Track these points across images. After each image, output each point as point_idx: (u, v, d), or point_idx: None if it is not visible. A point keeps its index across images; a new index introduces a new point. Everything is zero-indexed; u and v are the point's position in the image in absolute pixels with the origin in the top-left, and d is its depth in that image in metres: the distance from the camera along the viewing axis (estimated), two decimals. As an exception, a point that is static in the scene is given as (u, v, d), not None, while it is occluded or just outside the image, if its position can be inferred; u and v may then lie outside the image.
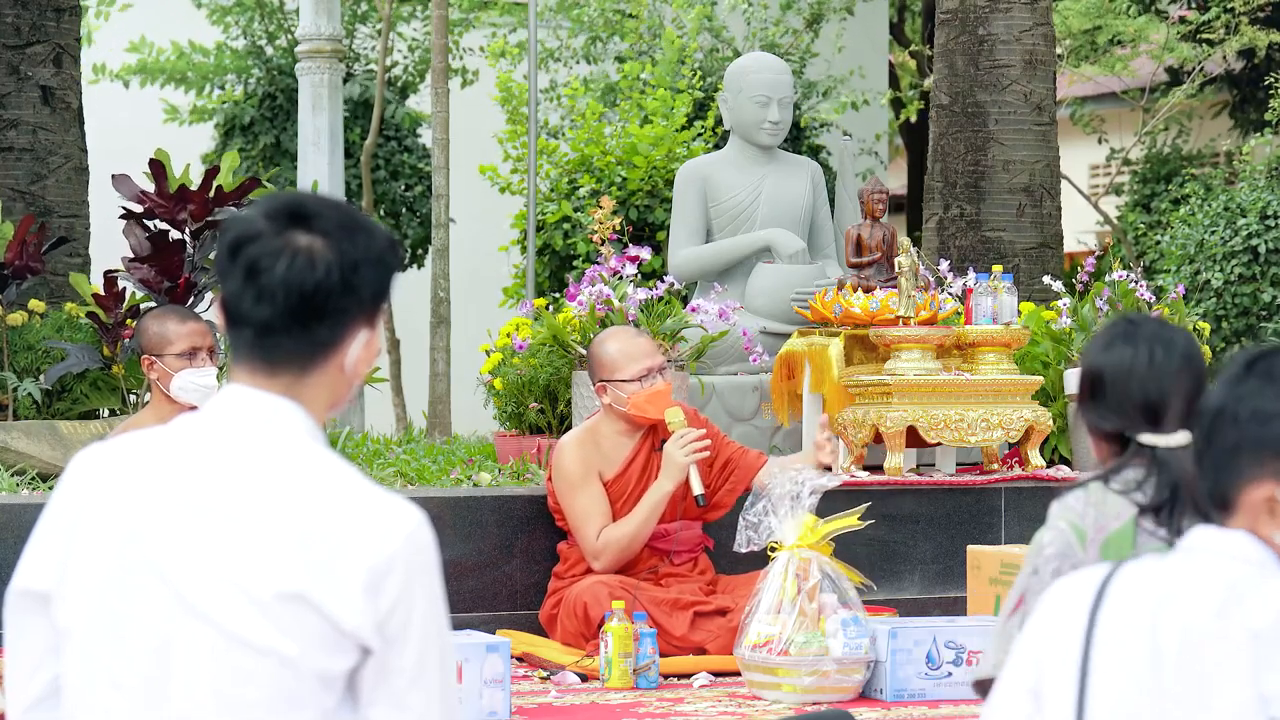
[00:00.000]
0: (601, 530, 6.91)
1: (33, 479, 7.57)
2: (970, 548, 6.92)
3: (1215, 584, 2.56)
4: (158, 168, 8.17)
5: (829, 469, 6.70)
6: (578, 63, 16.92)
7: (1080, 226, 20.45)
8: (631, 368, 6.95)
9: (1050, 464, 8.49)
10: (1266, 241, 13.48)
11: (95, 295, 8.17)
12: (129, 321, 8.03)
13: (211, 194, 8.18)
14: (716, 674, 6.57)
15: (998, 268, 8.48)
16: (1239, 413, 2.59)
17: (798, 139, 15.56)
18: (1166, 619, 2.56)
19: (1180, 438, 3.51)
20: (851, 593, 6.33)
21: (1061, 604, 2.67)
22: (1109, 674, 2.58)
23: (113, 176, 8.21)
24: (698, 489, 6.86)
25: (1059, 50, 16.84)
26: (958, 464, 8.32)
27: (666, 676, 6.52)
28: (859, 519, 6.50)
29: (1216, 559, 2.58)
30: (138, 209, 8.20)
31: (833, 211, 9.25)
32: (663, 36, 15.36)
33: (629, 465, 7.00)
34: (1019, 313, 8.40)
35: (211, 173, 8.30)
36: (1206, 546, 2.60)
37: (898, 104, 19.42)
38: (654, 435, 7.03)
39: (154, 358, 6.10)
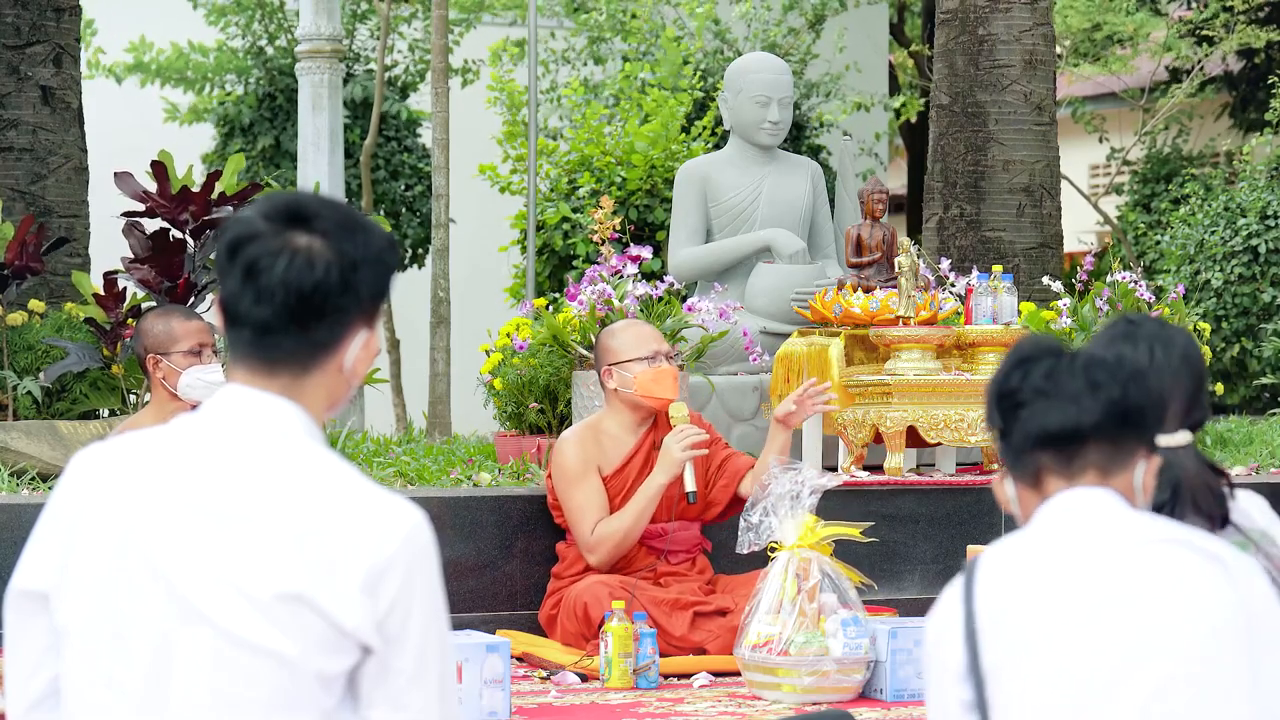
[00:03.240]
0: (596, 525, 6.91)
1: (33, 479, 7.57)
2: (970, 548, 6.91)
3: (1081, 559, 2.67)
4: (160, 169, 8.16)
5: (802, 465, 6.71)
6: (585, 64, 16.90)
7: (1080, 226, 20.45)
8: (639, 349, 6.97)
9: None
10: (1266, 241, 13.48)
11: (95, 295, 8.17)
12: (129, 322, 8.02)
13: (214, 196, 8.18)
14: (716, 674, 6.57)
15: (998, 268, 8.48)
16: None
17: (798, 139, 15.56)
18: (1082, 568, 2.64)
19: (1181, 437, 3.51)
20: (851, 593, 6.33)
21: (937, 618, 2.72)
22: (1004, 665, 2.63)
23: (115, 175, 8.21)
24: (690, 485, 6.86)
25: (1059, 49, 16.84)
26: (958, 464, 8.32)
27: (666, 676, 6.52)
28: (861, 534, 6.52)
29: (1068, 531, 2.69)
30: (139, 207, 8.20)
31: (833, 211, 9.25)
32: (662, 37, 15.36)
33: (629, 460, 7.00)
34: (1019, 313, 8.40)
35: (214, 176, 8.30)
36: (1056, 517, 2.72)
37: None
38: (655, 431, 7.03)
39: (160, 356, 6.07)
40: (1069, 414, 2.70)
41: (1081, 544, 2.67)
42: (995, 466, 8.17)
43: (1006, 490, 2.81)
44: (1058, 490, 2.74)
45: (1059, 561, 2.66)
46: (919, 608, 7.49)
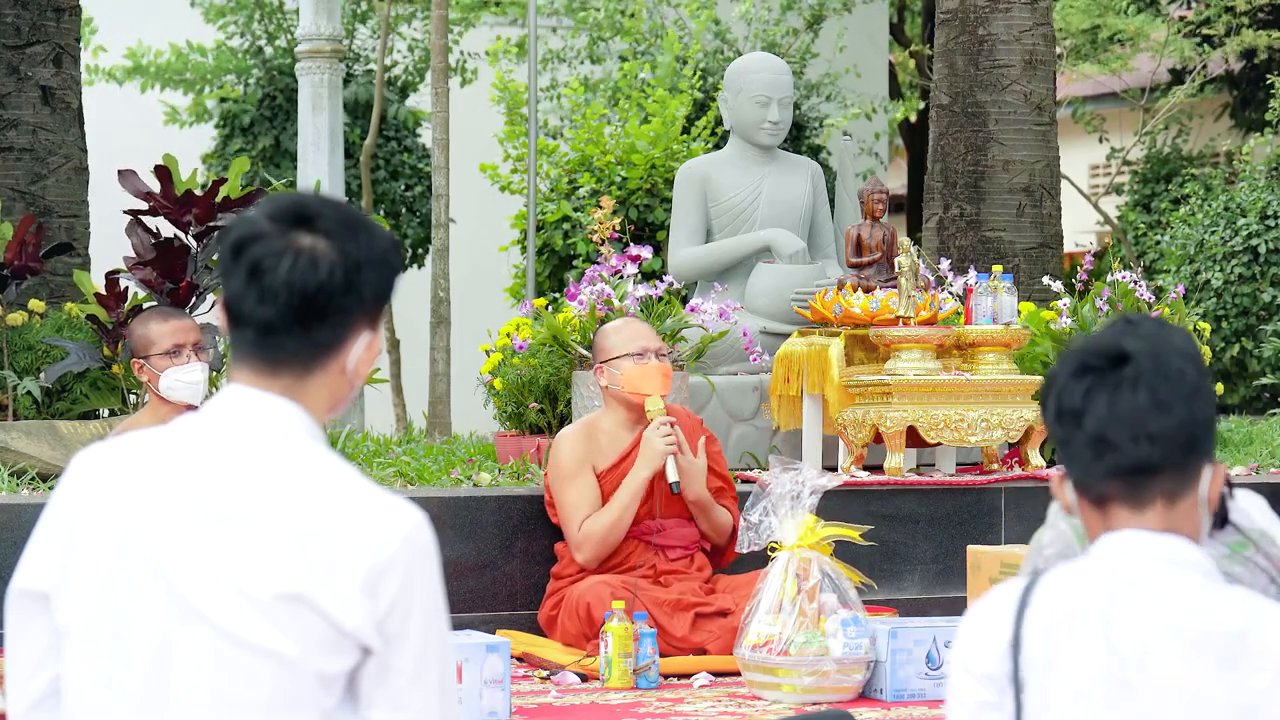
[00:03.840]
0: (583, 523, 6.94)
1: (33, 479, 7.57)
2: (970, 548, 6.92)
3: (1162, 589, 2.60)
4: (164, 172, 8.16)
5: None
6: (581, 63, 16.92)
7: (1080, 226, 20.45)
8: (629, 346, 7.00)
9: (1050, 464, 8.49)
10: (1266, 241, 13.48)
11: (96, 295, 8.17)
12: (129, 322, 8.03)
13: (218, 199, 8.18)
14: (716, 674, 6.57)
15: (998, 268, 8.48)
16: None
17: (798, 139, 15.56)
18: (1119, 624, 2.59)
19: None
20: (851, 593, 6.33)
21: (982, 619, 2.69)
22: (1052, 683, 2.60)
23: (119, 172, 8.21)
24: (673, 476, 6.88)
25: (1059, 49, 16.84)
26: (958, 464, 8.32)
27: (666, 676, 6.53)
28: (860, 535, 6.53)
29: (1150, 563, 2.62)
30: (142, 206, 8.20)
31: (833, 211, 9.25)
32: (664, 39, 15.36)
33: (625, 458, 7.02)
34: (1019, 313, 8.40)
35: (219, 182, 8.30)
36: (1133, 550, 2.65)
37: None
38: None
39: (141, 360, 6.17)
40: (1140, 451, 2.63)
41: (1139, 606, 2.59)
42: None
43: (1068, 495, 2.75)
44: (1123, 523, 2.65)
45: (1114, 612, 2.60)
46: (919, 608, 7.50)
